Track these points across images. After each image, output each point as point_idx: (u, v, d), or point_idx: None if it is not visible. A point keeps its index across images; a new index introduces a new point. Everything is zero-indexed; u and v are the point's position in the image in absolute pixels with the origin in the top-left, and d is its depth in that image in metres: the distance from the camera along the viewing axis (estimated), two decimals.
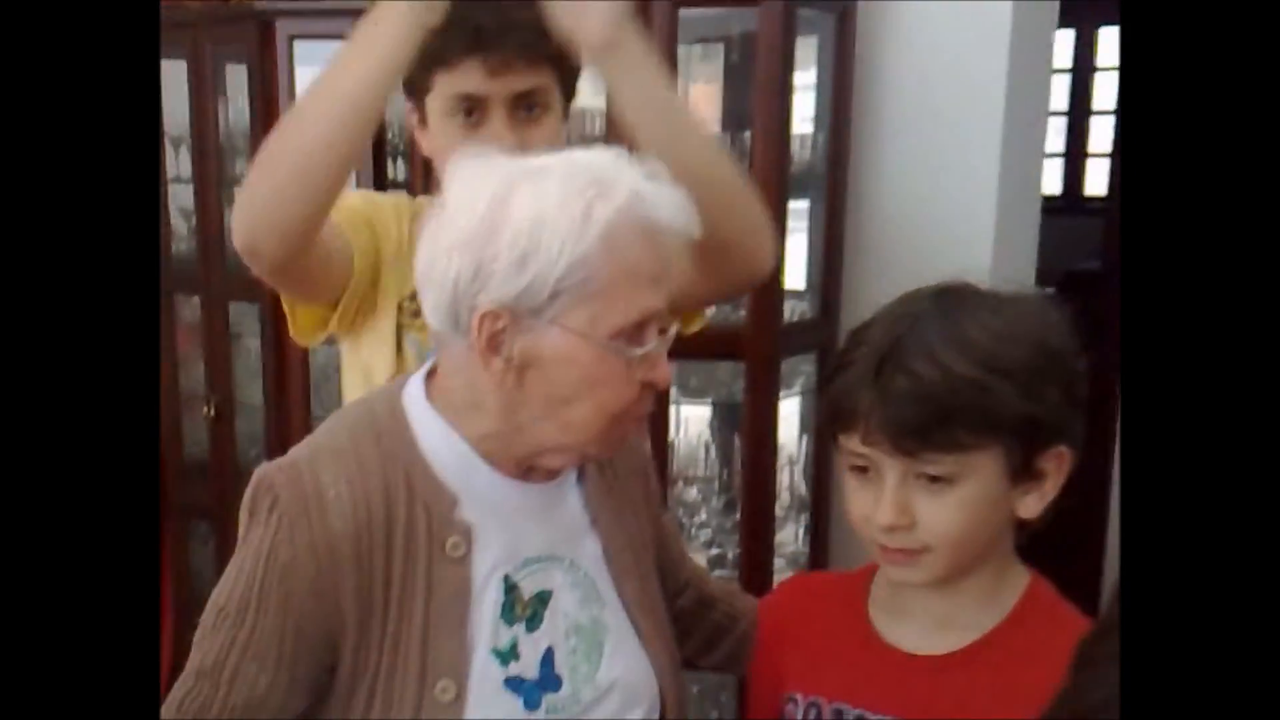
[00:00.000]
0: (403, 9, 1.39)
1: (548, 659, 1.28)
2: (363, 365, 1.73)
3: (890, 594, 1.32)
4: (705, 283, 1.54)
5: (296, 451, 1.29)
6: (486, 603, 1.26)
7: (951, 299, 1.23)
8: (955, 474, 1.17)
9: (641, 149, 1.42)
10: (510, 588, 1.27)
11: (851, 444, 1.21)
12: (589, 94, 2.45)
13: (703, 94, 2.72)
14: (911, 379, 1.15)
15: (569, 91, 1.67)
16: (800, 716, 1.33)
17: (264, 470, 1.26)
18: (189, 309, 3.26)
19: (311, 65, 2.69)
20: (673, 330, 1.24)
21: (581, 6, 1.42)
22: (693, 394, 2.71)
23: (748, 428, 2.51)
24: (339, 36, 1.48)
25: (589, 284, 1.15)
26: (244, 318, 3.08)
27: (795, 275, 2.71)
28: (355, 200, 1.71)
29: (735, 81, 2.62)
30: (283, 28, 2.71)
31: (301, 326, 1.71)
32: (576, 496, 1.35)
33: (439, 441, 1.26)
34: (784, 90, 2.36)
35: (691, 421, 2.79)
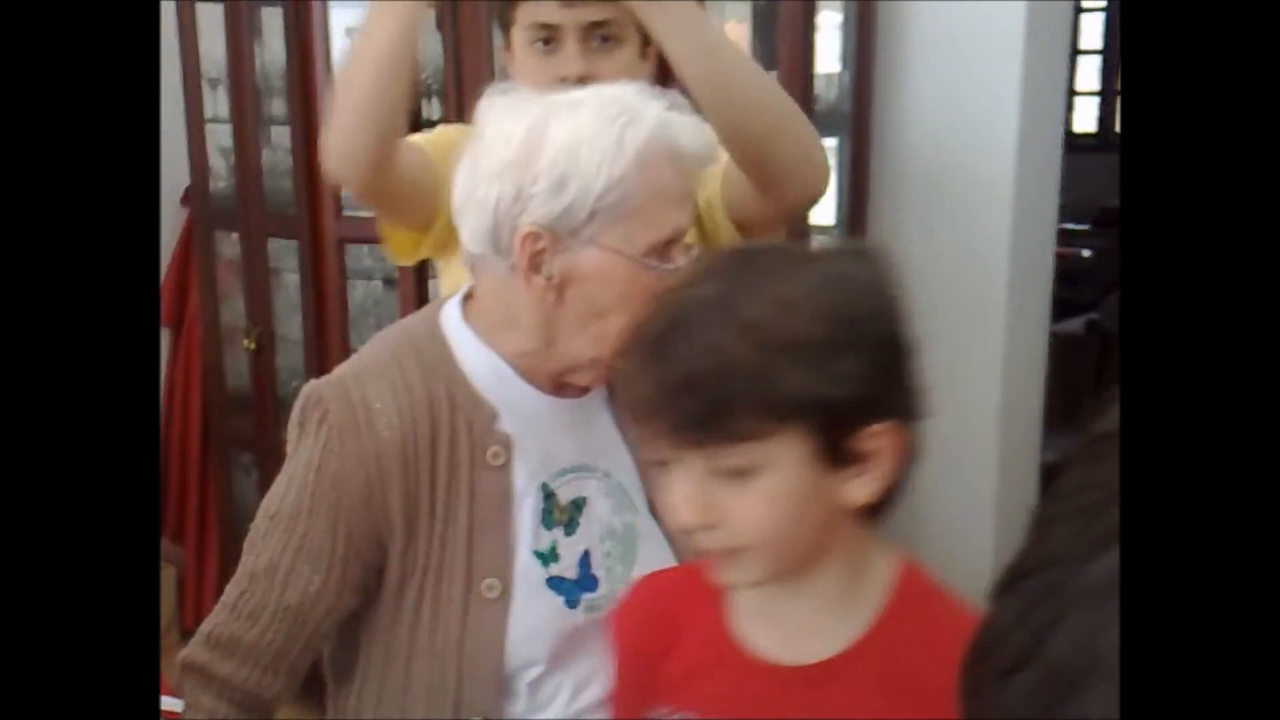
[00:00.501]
0: None
1: (585, 561, 1.36)
2: (454, 285, 1.82)
3: (747, 597, 1.15)
4: (767, 205, 1.61)
5: (342, 369, 1.37)
6: (526, 508, 1.34)
7: (740, 267, 1.08)
8: (754, 465, 1.02)
9: (691, 88, 1.49)
10: (548, 494, 1.36)
11: (646, 438, 1.09)
12: None
13: (732, 34, 2.75)
14: (683, 367, 1.01)
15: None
16: None
17: (312, 386, 1.35)
18: (229, 245, 3.33)
19: (344, 5, 2.75)
20: (694, 251, 1.30)
21: None
22: None
23: None
24: None
25: (624, 204, 1.22)
26: (283, 253, 3.14)
27: (823, 212, 2.75)
28: (452, 133, 1.81)
29: (764, 22, 2.65)
30: None
31: (395, 248, 1.84)
32: (608, 412, 1.41)
33: (477, 359, 1.34)
34: (807, 31, 2.39)
35: None
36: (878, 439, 1.04)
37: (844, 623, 1.10)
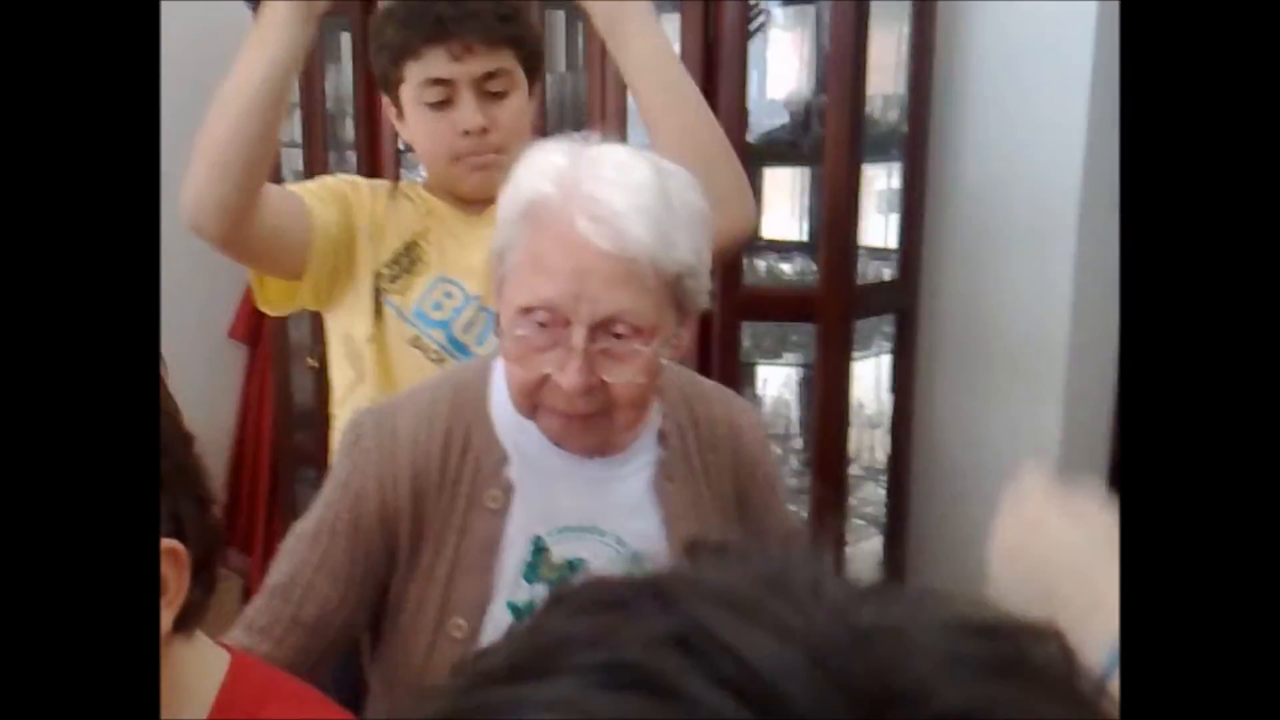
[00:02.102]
0: (286, 8, 1.52)
1: None
2: (343, 332, 1.85)
3: None
4: None
5: (389, 399, 1.44)
6: (513, 558, 1.34)
7: None
8: None
9: (639, 96, 1.55)
10: (539, 549, 1.35)
11: None
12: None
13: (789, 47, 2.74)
14: None
15: (533, 71, 1.78)
16: None
17: (358, 412, 1.42)
18: None
19: None
20: (577, 336, 1.22)
21: None
22: (767, 354, 2.74)
23: (820, 387, 2.53)
24: None
25: (505, 250, 1.26)
26: None
27: (877, 235, 2.72)
28: (332, 180, 1.84)
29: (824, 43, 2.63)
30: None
31: (270, 297, 1.82)
32: (644, 477, 1.39)
33: (503, 403, 1.35)
34: (858, 55, 2.36)
35: (771, 382, 2.83)
36: (165, 562, 0.90)
37: None
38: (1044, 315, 2.59)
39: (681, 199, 1.24)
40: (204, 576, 0.95)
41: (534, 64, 1.78)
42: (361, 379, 1.85)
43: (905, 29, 2.58)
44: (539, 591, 1.35)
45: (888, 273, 2.66)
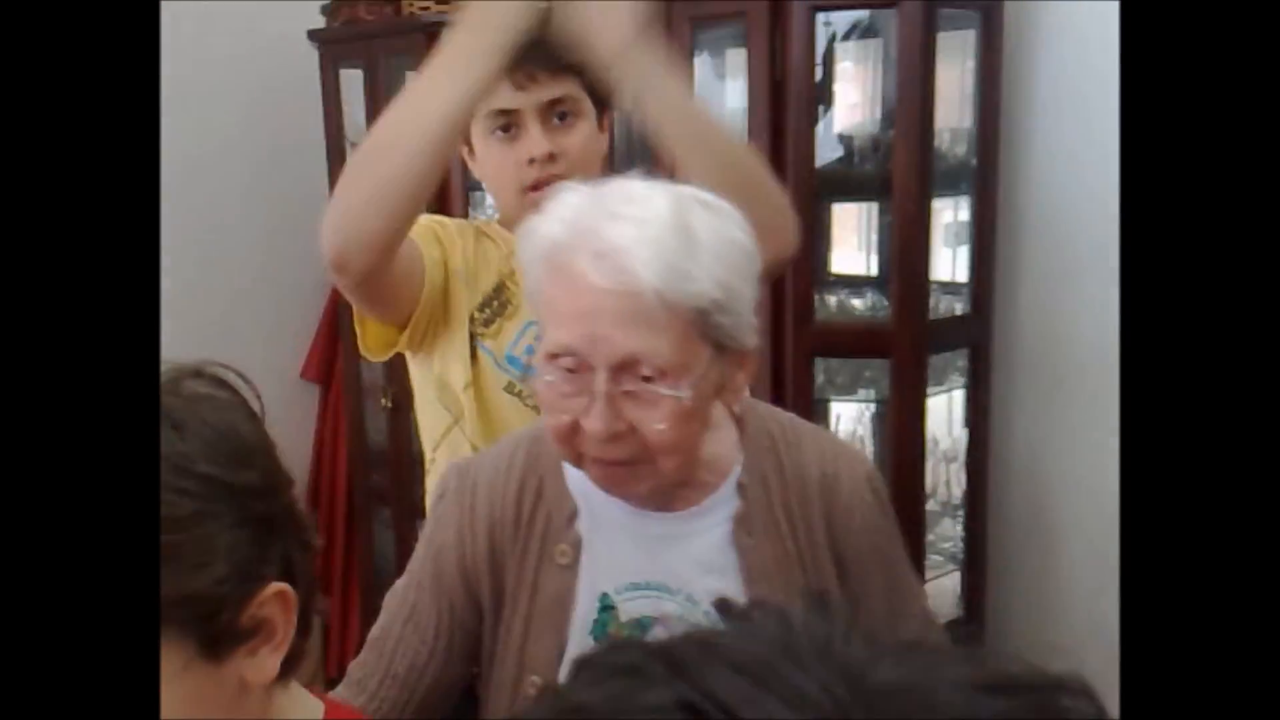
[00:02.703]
0: (490, 19, 1.46)
1: None
2: (436, 378, 1.80)
3: None
4: None
5: (475, 454, 1.45)
6: (582, 615, 1.32)
7: None
8: None
9: (669, 143, 1.51)
10: (606, 606, 1.33)
11: None
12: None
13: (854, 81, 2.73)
14: None
15: (600, 98, 1.75)
16: None
17: (448, 465, 1.42)
18: None
19: None
20: (599, 381, 1.19)
21: (598, 14, 1.48)
22: (841, 391, 2.72)
23: (893, 423, 2.51)
24: None
25: (534, 297, 1.24)
26: None
27: (946, 268, 2.69)
28: (424, 220, 1.77)
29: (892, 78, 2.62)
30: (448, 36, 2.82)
31: (371, 344, 1.76)
32: (722, 532, 1.33)
33: None
34: (925, 89, 2.35)
35: (845, 418, 2.81)
36: (272, 604, 0.88)
37: None
38: (1115, 345, 2.56)
39: (709, 230, 1.18)
40: (303, 621, 0.93)
41: (602, 92, 1.73)
42: (457, 422, 1.81)
43: (970, 62, 2.57)
44: None
45: (959, 307, 2.64)
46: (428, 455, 1.89)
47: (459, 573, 1.34)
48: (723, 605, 0.42)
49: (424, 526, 1.39)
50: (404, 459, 3.27)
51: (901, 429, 2.49)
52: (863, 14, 2.64)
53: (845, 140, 2.62)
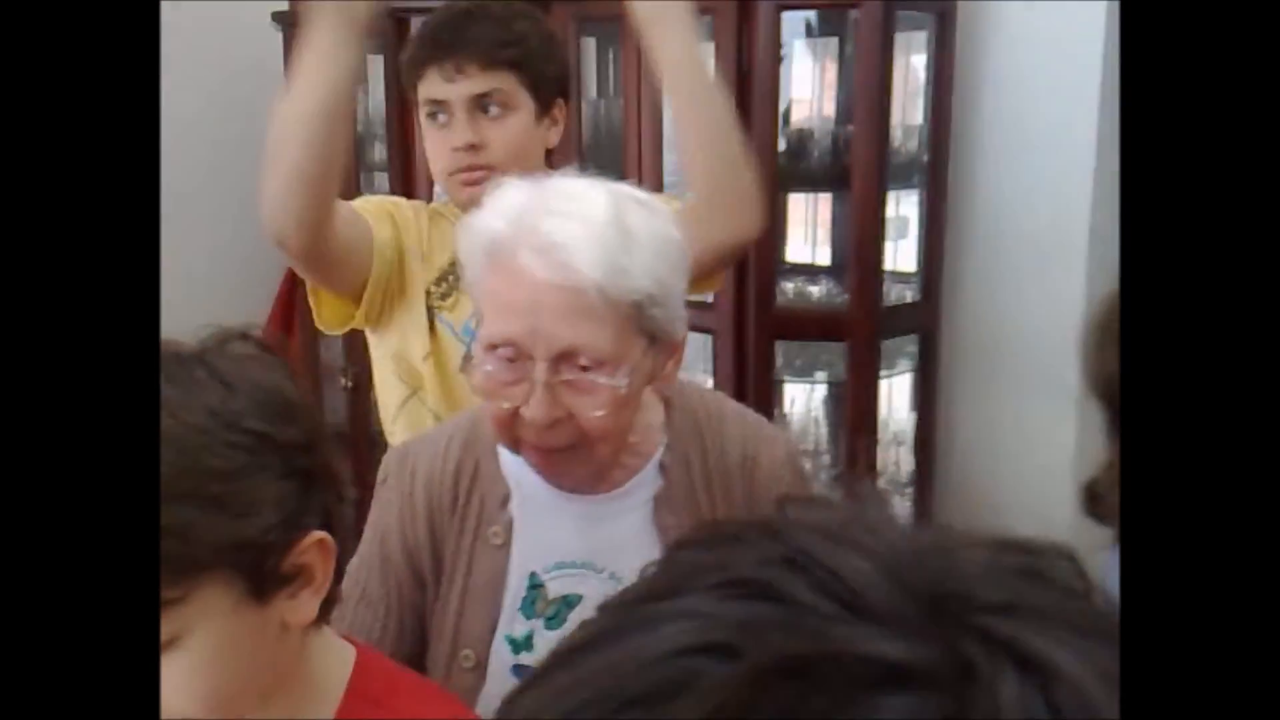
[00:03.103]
0: (333, 31, 1.56)
1: None
2: (394, 351, 1.89)
3: None
4: (701, 243, 1.54)
5: (413, 438, 1.49)
6: (512, 593, 1.39)
7: None
8: (177, 634, 0.89)
9: (672, 96, 1.64)
10: (535, 585, 1.39)
11: None
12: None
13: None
14: None
15: (544, 96, 1.83)
16: None
17: (389, 451, 1.47)
18: None
19: None
20: (538, 371, 1.23)
21: None
22: (798, 373, 2.83)
23: (849, 405, 2.62)
24: None
25: (473, 288, 1.30)
26: None
27: (902, 259, 2.81)
28: (376, 200, 1.90)
29: (848, 75, 2.74)
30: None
31: (326, 318, 1.85)
32: (644, 512, 1.39)
33: None
34: (882, 87, 2.46)
35: (799, 400, 2.92)
36: (313, 551, 0.96)
37: None
38: (1058, 331, 2.68)
39: (646, 228, 1.23)
40: (339, 569, 1.01)
41: (542, 87, 1.82)
42: (415, 393, 1.89)
43: (920, 59, 2.70)
44: (537, 626, 1.38)
45: (910, 295, 2.76)
46: (386, 429, 1.97)
47: (403, 553, 1.39)
48: (783, 501, 0.51)
49: (370, 510, 1.43)
50: (362, 440, 3.31)
51: (856, 410, 2.61)
52: (816, 13, 2.75)
53: (802, 134, 2.73)
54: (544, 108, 1.83)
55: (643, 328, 1.25)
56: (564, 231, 1.20)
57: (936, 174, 2.69)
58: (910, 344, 2.79)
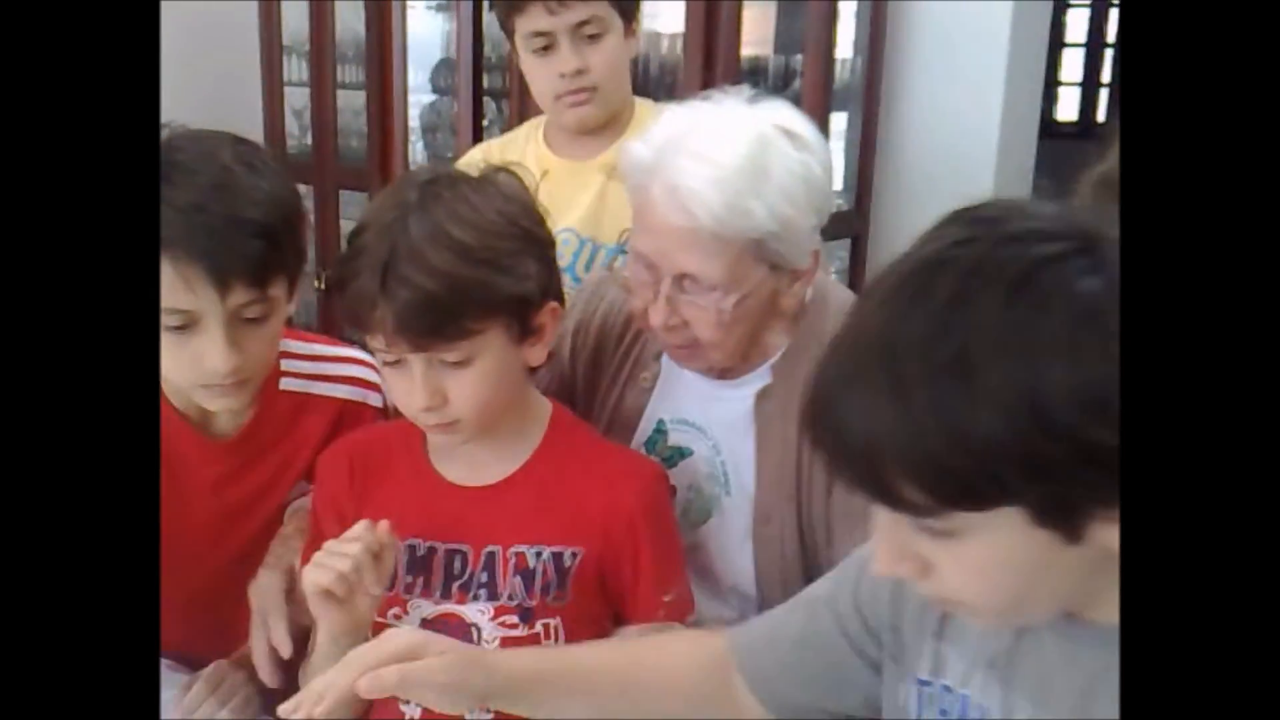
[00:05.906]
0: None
1: None
2: None
3: (441, 442, 1.40)
4: None
5: (608, 274, 1.73)
6: (642, 430, 1.58)
7: (430, 195, 1.27)
8: (471, 355, 1.27)
9: None
10: (659, 430, 1.57)
11: (377, 344, 1.28)
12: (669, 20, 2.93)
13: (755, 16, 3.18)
14: (414, 289, 1.21)
15: (628, 13, 1.94)
16: None
17: (591, 273, 1.74)
18: (303, 198, 3.62)
19: None
20: (664, 285, 1.40)
21: None
22: None
23: None
24: None
25: (631, 200, 1.47)
26: (353, 205, 3.45)
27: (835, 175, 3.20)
28: (473, 153, 2.09)
29: (789, 8, 3.11)
30: None
31: None
32: (750, 404, 1.51)
33: None
34: (830, 20, 2.87)
35: None
36: (549, 315, 1.34)
37: (511, 456, 1.38)
38: None
39: (782, 166, 1.35)
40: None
41: (626, 6, 1.93)
42: None
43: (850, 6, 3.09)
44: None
45: (843, 203, 3.13)
46: None
47: (570, 360, 1.62)
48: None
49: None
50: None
51: None
52: None
53: (755, 63, 3.08)
54: (628, 25, 1.94)
55: (763, 258, 1.38)
56: (692, 174, 1.34)
57: (869, 100, 3.10)
58: (842, 249, 3.17)
